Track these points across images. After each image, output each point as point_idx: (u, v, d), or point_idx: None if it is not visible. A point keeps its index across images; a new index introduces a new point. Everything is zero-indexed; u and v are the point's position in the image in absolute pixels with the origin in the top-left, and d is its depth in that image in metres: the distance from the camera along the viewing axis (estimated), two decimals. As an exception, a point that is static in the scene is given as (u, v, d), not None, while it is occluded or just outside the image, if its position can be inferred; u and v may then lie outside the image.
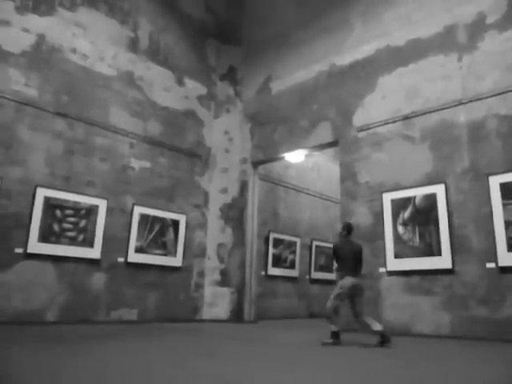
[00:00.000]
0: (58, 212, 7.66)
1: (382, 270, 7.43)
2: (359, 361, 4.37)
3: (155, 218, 9.07)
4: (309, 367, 3.86)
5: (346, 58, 8.82)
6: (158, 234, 9.11)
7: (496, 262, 6.22)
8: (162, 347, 4.84)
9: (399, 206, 7.41)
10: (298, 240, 12.22)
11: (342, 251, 5.93)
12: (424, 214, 7.11)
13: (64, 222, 7.72)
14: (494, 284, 6.21)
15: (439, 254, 6.81)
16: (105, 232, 8.19)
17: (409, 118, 7.62)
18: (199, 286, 9.78)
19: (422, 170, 7.31)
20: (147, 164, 9.18)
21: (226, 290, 9.78)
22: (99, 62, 8.72)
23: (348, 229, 6.06)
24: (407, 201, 7.34)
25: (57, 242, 7.58)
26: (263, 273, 11.04)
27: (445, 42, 7.42)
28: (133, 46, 9.39)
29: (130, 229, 8.64)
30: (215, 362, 3.99)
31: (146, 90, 9.45)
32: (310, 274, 12.57)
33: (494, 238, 6.27)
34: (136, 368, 3.62)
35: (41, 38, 7.91)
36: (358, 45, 8.67)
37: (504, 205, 6.25)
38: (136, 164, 8.98)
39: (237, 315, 9.59)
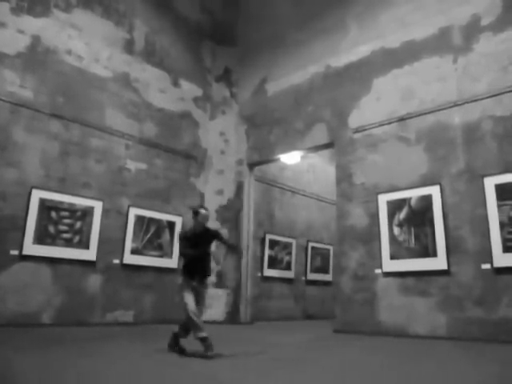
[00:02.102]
0: (54, 214, 7.64)
1: (377, 271, 7.45)
2: (358, 361, 4.37)
3: (151, 220, 9.05)
4: (306, 367, 3.86)
5: (341, 60, 8.84)
6: (154, 236, 9.09)
7: (491, 262, 6.24)
8: (158, 349, 4.83)
9: (395, 207, 7.43)
10: (293, 241, 12.23)
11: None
12: (419, 216, 7.13)
13: (59, 223, 7.70)
14: (490, 285, 6.24)
15: (435, 255, 6.83)
16: (100, 234, 8.17)
17: (404, 119, 7.65)
18: (195, 288, 9.75)
19: (417, 171, 7.33)
20: (143, 165, 9.16)
21: (221, 292, 9.77)
22: (94, 64, 8.70)
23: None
24: (403, 202, 7.36)
25: (52, 243, 7.55)
26: (259, 274, 11.04)
27: (440, 43, 7.45)
28: (128, 47, 9.38)
29: (125, 230, 8.62)
30: (212, 363, 3.99)
31: (141, 91, 9.44)
32: (305, 275, 12.57)
33: (490, 239, 6.29)
34: (132, 369, 3.61)
35: (36, 39, 7.89)
36: (353, 46, 8.69)
37: (499, 206, 6.28)
38: (132, 165, 8.96)
39: (233, 317, 9.58)
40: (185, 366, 3.91)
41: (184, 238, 4.84)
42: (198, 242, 4.76)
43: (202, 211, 4.93)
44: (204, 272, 4.81)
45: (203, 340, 4.35)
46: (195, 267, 4.74)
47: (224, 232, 10.08)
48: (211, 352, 4.27)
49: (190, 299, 4.55)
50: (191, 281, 4.67)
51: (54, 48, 8.13)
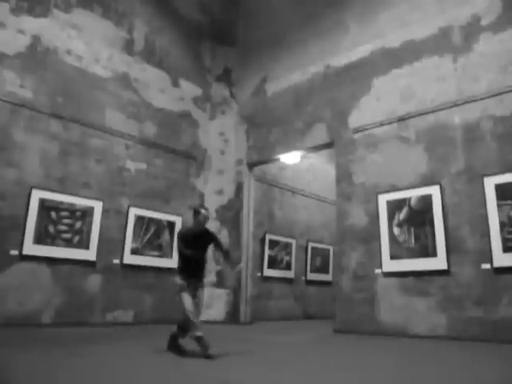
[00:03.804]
0: (54, 214, 7.63)
1: (377, 271, 7.45)
2: (358, 360, 4.37)
3: (151, 220, 9.05)
4: (306, 367, 3.86)
5: (341, 60, 8.84)
6: (154, 236, 9.09)
7: (491, 262, 6.24)
8: (157, 349, 4.82)
9: (395, 207, 7.43)
10: (293, 241, 12.23)
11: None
12: (419, 215, 7.13)
13: (59, 223, 7.69)
14: (489, 285, 6.24)
15: (435, 255, 6.82)
16: (100, 234, 8.17)
17: (404, 119, 7.65)
18: (195, 288, 9.75)
19: (417, 171, 7.33)
20: (143, 165, 9.16)
21: (221, 292, 9.77)
22: (94, 64, 8.69)
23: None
24: (402, 202, 7.36)
25: (52, 243, 7.55)
26: (259, 274, 11.04)
27: (440, 43, 7.45)
28: (128, 47, 9.37)
29: (125, 230, 8.62)
30: (212, 363, 3.98)
31: (141, 91, 9.43)
32: (305, 275, 12.57)
33: (489, 238, 6.29)
34: (132, 369, 3.61)
35: (36, 39, 7.88)
36: (353, 46, 8.69)
37: (499, 206, 6.28)
38: (131, 165, 8.96)
39: (232, 316, 9.58)
40: (183, 366, 3.91)
41: (182, 237, 4.82)
42: (195, 243, 4.77)
43: (203, 211, 4.93)
44: (200, 272, 4.84)
45: (199, 340, 4.36)
46: (192, 268, 4.76)
47: (224, 232, 10.09)
48: (211, 351, 4.26)
49: (187, 300, 4.57)
50: (188, 281, 4.68)
51: (54, 48, 8.13)
